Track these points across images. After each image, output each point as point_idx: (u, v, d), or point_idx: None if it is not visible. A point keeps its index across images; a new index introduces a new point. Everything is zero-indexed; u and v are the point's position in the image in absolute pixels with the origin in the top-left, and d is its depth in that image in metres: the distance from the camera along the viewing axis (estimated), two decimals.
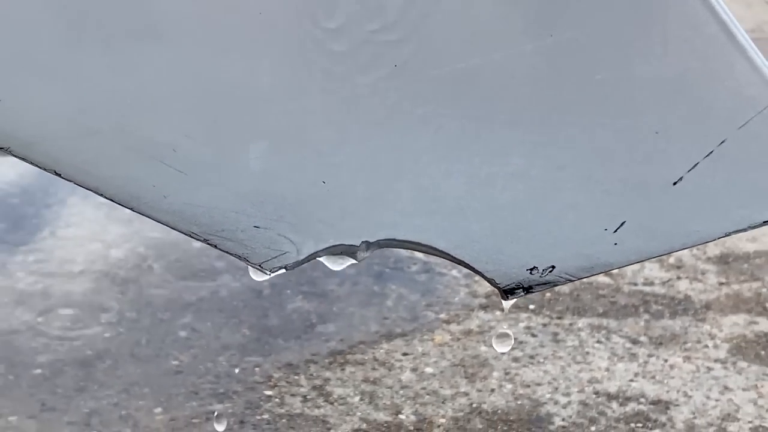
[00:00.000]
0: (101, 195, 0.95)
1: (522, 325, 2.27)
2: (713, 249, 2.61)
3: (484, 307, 2.33)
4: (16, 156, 0.92)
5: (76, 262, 2.47)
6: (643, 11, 0.89)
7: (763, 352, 2.18)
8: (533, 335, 2.23)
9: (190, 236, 0.99)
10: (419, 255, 2.25)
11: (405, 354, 2.15)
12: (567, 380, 2.07)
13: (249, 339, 2.17)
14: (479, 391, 2.02)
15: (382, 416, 1.94)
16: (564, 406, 1.98)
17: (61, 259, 2.48)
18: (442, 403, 1.99)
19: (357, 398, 1.99)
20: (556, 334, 2.23)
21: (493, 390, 2.03)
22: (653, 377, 2.09)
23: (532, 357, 2.15)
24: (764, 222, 1.00)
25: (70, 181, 0.94)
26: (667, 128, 0.94)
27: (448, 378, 2.07)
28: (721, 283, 2.47)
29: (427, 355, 2.15)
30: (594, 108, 0.93)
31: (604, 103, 0.93)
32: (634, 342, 2.21)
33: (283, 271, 1.02)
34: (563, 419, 1.95)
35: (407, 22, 0.88)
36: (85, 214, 2.68)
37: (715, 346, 2.20)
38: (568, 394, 2.02)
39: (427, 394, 2.01)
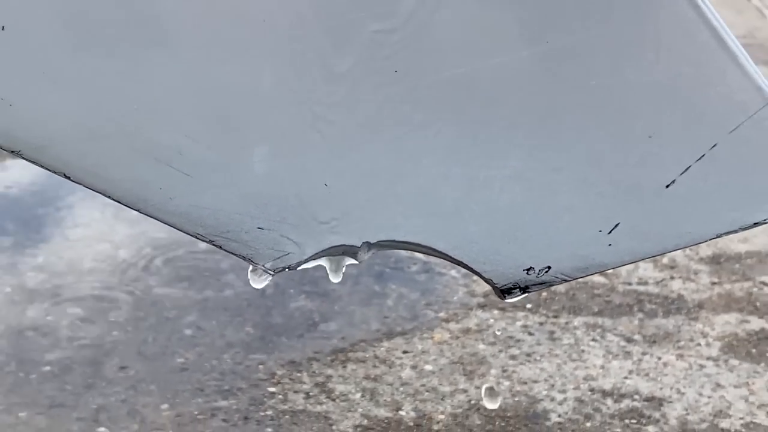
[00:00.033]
0: (109, 197, 0.95)
1: (519, 323, 2.27)
2: (706, 249, 2.62)
3: (482, 306, 2.33)
4: (26, 159, 0.92)
5: (85, 261, 2.47)
6: (635, 18, 0.89)
7: (754, 350, 2.18)
8: (530, 333, 2.23)
9: (195, 237, 0.99)
10: (419, 255, 2.25)
11: (405, 352, 2.15)
12: (563, 377, 2.07)
13: (253, 337, 2.18)
14: (477, 388, 2.02)
15: (382, 412, 1.94)
16: (560, 403, 1.99)
17: (69, 258, 2.48)
18: (441, 399, 1.99)
19: (358, 395, 1.99)
20: (552, 332, 2.24)
21: (491, 387, 2.03)
22: (647, 375, 2.09)
23: (528, 355, 2.15)
24: (755, 223, 1.00)
25: (78, 183, 0.94)
26: (659, 132, 0.94)
27: (447, 375, 2.07)
28: (714, 283, 2.47)
29: (427, 353, 2.15)
30: (589, 112, 0.94)
31: (599, 107, 0.93)
32: (629, 340, 2.21)
33: (287, 271, 1.02)
34: (559, 415, 1.95)
35: (407, 28, 0.88)
36: (93, 216, 2.69)
37: (708, 345, 2.20)
38: (564, 391, 2.02)
39: (427, 391, 2.01)
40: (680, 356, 2.15)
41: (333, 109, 0.92)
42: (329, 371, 2.07)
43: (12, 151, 0.91)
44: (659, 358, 2.15)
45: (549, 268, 1.02)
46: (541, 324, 2.27)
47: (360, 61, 0.89)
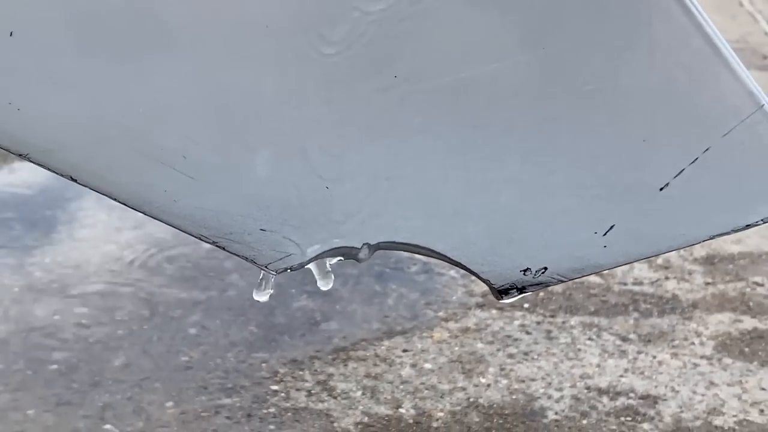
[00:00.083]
0: (115, 199, 0.95)
1: (517, 323, 2.27)
2: (700, 250, 2.62)
3: (480, 306, 2.33)
4: (34, 162, 0.92)
5: (91, 262, 2.47)
6: (630, 25, 0.90)
7: (747, 349, 2.18)
8: (527, 333, 2.23)
9: (199, 239, 0.99)
10: (418, 256, 2.25)
11: (405, 350, 2.15)
12: (560, 376, 2.07)
13: (256, 336, 2.18)
14: (476, 386, 2.02)
15: (383, 410, 1.94)
16: (557, 401, 1.99)
17: (76, 259, 2.48)
18: (441, 397, 1.99)
19: (359, 393, 1.99)
20: (549, 331, 2.24)
21: (489, 385, 2.03)
22: (642, 373, 2.09)
23: (526, 354, 2.15)
24: (747, 225, 1.00)
25: (85, 186, 0.94)
26: (654, 136, 0.94)
27: (446, 373, 2.07)
28: (708, 283, 2.47)
29: (426, 352, 2.15)
30: (584, 117, 0.94)
31: (594, 112, 0.93)
32: (624, 339, 2.21)
33: (289, 271, 1.02)
34: (556, 413, 1.95)
35: (406, 34, 0.88)
36: (99, 217, 2.69)
37: (702, 344, 2.20)
38: (560, 389, 2.02)
39: (426, 389, 2.01)
40: (675, 355, 2.16)
41: (334, 114, 0.92)
42: (331, 369, 2.07)
43: (20, 155, 0.92)
44: (654, 357, 2.15)
45: (545, 269, 1.02)
46: (538, 323, 2.27)
47: (360, 65, 0.89)
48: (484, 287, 1.06)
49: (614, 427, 1.91)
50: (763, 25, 4.88)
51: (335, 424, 1.90)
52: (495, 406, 1.96)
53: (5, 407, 1.91)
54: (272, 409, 1.94)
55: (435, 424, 1.90)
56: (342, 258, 1.03)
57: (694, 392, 2.02)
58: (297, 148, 0.94)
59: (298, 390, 2.00)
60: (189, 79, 0.90)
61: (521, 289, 1.03)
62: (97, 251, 2.52)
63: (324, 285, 1.06)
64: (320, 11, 0.87)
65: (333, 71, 0.90)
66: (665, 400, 2.00)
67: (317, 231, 0.99)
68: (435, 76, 0.91)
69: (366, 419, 1.91)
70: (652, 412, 1.96)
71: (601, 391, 2.02)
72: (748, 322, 2.29)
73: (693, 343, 2.20)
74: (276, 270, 1.01)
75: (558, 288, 2.37)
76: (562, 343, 2.19)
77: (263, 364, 2.08)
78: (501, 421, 1.92)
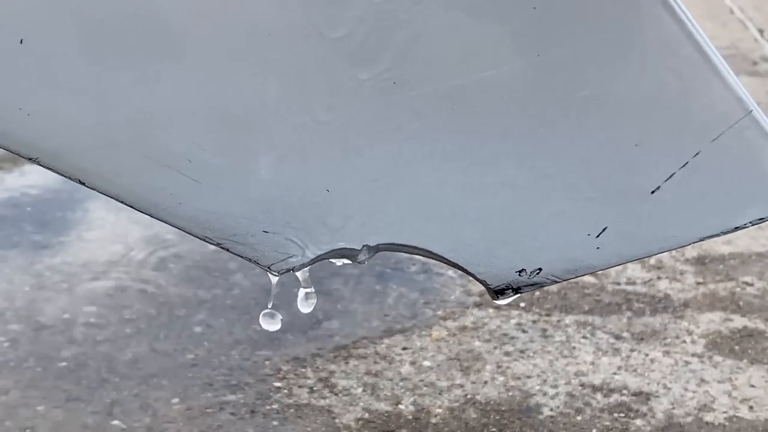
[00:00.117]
0: (122, 202, 0.95)
1: (513, 321, 2.27)
2: (691, 251, 2.62)
3: (478, 305, 2.33)
4: (44, 166, 0.93)
5: (99, 262, 2.47)
6: (622, 33, 0.90)
7: (737, 347, 2.18)
8: (524, 331, 2.23)
9: (204, 240, 0.99)
10: (417, 257, 2.25)
11: (404, 348, 2.15)
12: (555, 373, 2.07)
13: (259, 334, 2.18)
14: (473, 383, 2.02)
15: (383, 406, 1.94)
16: (552, 397, 1.99)
17: (85, 259, 2.49)
18: (439, 394, 1.99)
19: (360, 389, 1.99)
20: (544, 330, 2.24)
21: (486, 382, 2.03)
22: (635, 370, 2.09)
23: (522, 351, 2.15)
24: (736, 227, 1.00)
25: (93, 189, 0.94)
26: (645, 141, 0.94)
27: (445, 371, 2.07)
28: (699, 283, 2.47)
29: (425, 350, 2.15)
30: (578, 122, 0.94)
31: (588, 117, 0.94)
32: (618, 337, 2.21)
33: (291, 272, 1.02)
34: (551, 409, 1.95)
35: (405, 42, 0.89)
36: (107, 219, 2.69)
37: (693, 342, 2.20)
38: (555, 386, 2.02)
39: (425, 386, 2.01)
40: (666, 353, 2.15)
41: (335, 119, 0.92)
42: (332, 367, 2.07)
43: (30, 158, 0.92)
44: (646, 355, 2.15)
45: (540, 269, 1.02)
46: (534, 322, 2.27)
47: (360, 74, 0.89)
48: (482, 287, 1.06)
49: (608, 423, 1.91)
50: (753, 31, 4.88)
51: (337, 420, 1.90)
52: (492, 402, 1.96)
53: (16, 403, 1.91)
54: (275, 406, 1.94)
55: (434, 420, 1.90)
56: (344, 259, 1.03)
57: (686, 389, 2.02)
58: (298, 153, 0.94)
59: (300, 387, 2.00)
60: (194, 85, 0.90)
61: (517, 290, 1.03)
62: (105, 251, 2.53)
63: (305, 308, 1.06)
64: (322, 21, 0.87)
65: (334, 79, 0.90)
66: (657, 396, 2.00)
67: (318, 233, 0.99)
68: (432, 82, 0.91)
69: (367, 415, 1.91)
70: (644, 409, 1.96)
71: (595, 388, 2.02)
72: (738, 321, 2.29)
73: (684, 342, 2.20)
74: (278, 271, 1.01)
75: (553, 288, 2.37)
76: (557, 342, 2.19)
77: (267, 362, 2.08)
78: (498, 418, 1.92)
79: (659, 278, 2.49)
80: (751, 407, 1.97)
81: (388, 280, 2.44)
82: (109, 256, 2.50)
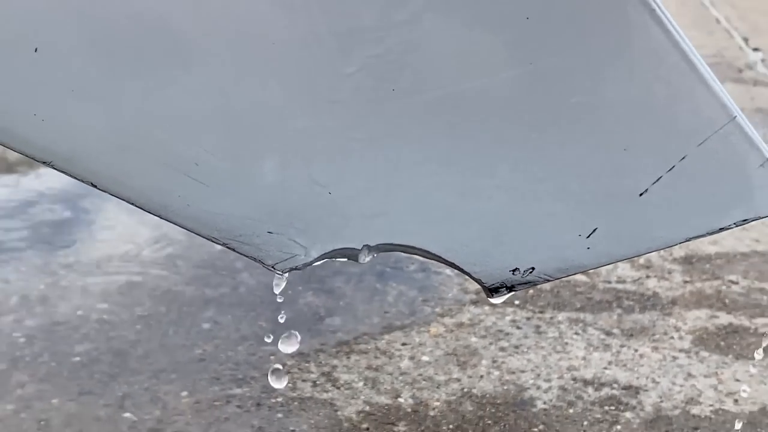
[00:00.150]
0: (133, 204, 0.95)
1: (508, 318, 2.27)
2: (678, 251, 2.62)
3: (474, 302, 2.33)
4: (57, 169, 0.93)
5: (112, 261, 2.47)
6: (612, 42, 0.90)
7: (722, 343, 2.18)
8: (518, 327, 2.23)
9: (211, 240, 0.99)
10: (416, 257, 2.25)
11: (404, 344, 2.15)
12: (548, 368, 2.07)
13: (265, 330, 2.18)
14: (470, 377, 2.02)
15: (383, 399, 1.94)
16: (545, 391, 1.99)
17: (98, 259, 2.49)
18: (437, 388, 1.99)
19: (361, 383, 1.99)
20: (538, 326, 2.24)
21: (482, 376, 2.03)
22: (625, 365, 2.09)
23: (516, 347, 2.15)
24: (721, 228, 1.00)
25: (105, 191, 0.94)
26: (634, 145, 0.94)
27: (442, 365, 2.07)
28: (686, 282, 2.47)
29: (424, 345, 2.15)
30: (570, 128, 0.94)
31: (579, 123, 0.94)
32: (608, 334, 2.21)
33: (295, 271, 1.02)
34: (544, 402, 1.95)
35: (404, 52, 0.89)
36: (119, 220, 2.69)
37: (680, 338, 2.20)
38: (549, 380, 2.02)
39: (424, 380, 2.01)
40: (655, 348, 2.15)
41: (336, 124, 0.92)
42: (334, 362, 2.07)
43: (45, 162, 0.92)
44: (636, 350, 2.15)
45: (533, 268, 1.02)
46: (528, 319, 2.27)
47: (360, 81, 0.89)
48: (478, 285, 1.06)
49: (599, 415, 1.91)
50: (738, 40, 4.88)
51: (339, 413, 1.90)
52: (488, 396, 1.96)
53: (31, 397, 1.91)
54: (280, 399, 1.94)
55: (432, 413, 1.90)
56: (347, 258, 1.03)
57: (673, 383, 2.02)
58: (302, 157, 0.94)
59: (304, 381, 2.00)
60: (201, 93, 0.90)
61: (511, 288, 1.03)
62: (117, 251, 2.53)
63: (287, 348, 1.06)
64: (327, 34, 0.87)
65: (336, 87, 0.90)
66: (646, 390, 2.00)
67: (320, 233, 0.99)
68: (430, 89, 0.91)
69: (367, 408, 1.91)
70: (634, 402, 1.96)
71: (586, 382, 2.02)
72: (724, 318, 2.29)
73: (672, 338, 2.20)
74: (282, 269, 1.01)
75: (546, 286, 2.37)
76: (550, 338, 2.19)
77: (272, 357, 2.08)
78: (493, 410, 1.92)
79: (648, 277, 2.49)
80: (736, 401, 1.97)
81: (388, 279, 2.44)
82: (120, 256, 2.50)
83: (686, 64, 0.90)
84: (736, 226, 0.99)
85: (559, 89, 0.92)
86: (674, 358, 2.12)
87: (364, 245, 1.01)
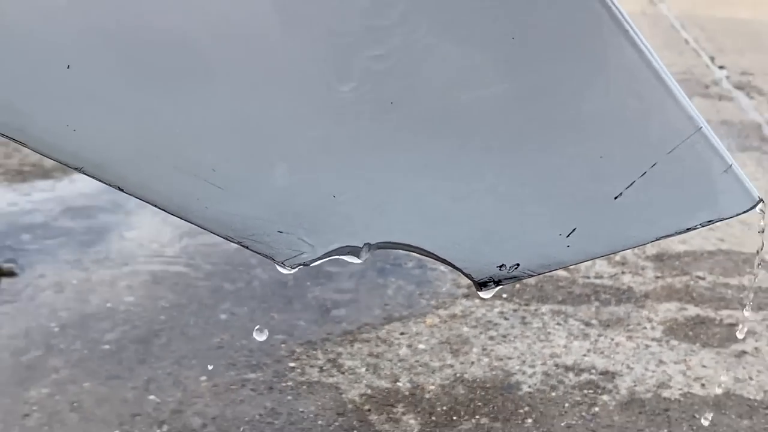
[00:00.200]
0: (156, 206, 0.95)
1: (497, 310, 2.27)
2: (650, 249, 2.61)
3: (466, 296, 2.33)
4: (88, 175, 0.93)
5: (137, 258, 2.47)
6: (589, 60, 0.90)
7: (690, 333, 2.18)
8: (505, 318, 2.23)
9: (227, 239, 0.99)
10: (413, 254, 2.25)
11: (402, 333, 2.15)
12: (532, 355, 2.06)
13: (276, 321, 2.17)
14: (462, 363, 2.02)
15: (383, 383, 1.94)
16: (530, 376, 1.98)
17: (125, 256, 2.49)
18: (432, 373, 1.99)
19: (363, 369, 1.99)
20: (524, 317, 2.23)
21: (473, 363, 2.03)
22: (602, 353, 2.08)
23: (504, 336, 2.14)
24: (688, 228, 1.00)
25: (131, 195, 0.94)
26: (609, 153, 0.94)
27: (437, 353, 2.06)
28: (657, 277, 2.46)
29: (420, 335, 2.14)
30: (551, 137, 0.94)
31: (559, 133, 0.94)
32: (587, 324, 2.21)
33: (302, 267, 1.02)
34: (529, 386, 1.95)
35: (402, 69, 0.89)
36: (143, 220, 2.69)
37: (652, 328, 2.20)
38: (533, 366, 2.02)
39: (420, 366, 2.01)
40: (630, 337, 2.15)
41: (340, 134, 0.92)
42: (339, 349, 2.07)
43: (76, 168, 0.92)
44: (612, 339, 2.14)
45: (518, 265, 1.02)
46: (514, 311, 2.26)
47: (362, 94, 0.89)
48: (469, 281, 1.05)
49: (578, 398, 1.91)
50: (706, 59, 4.87)
51: (343, 396, 1.90)
52: (478, 380, 1.96)
53: (65, 380, 1.91)
54: (290, 383, 1.94)
55: (427, 396, 1.90)
56: (349, 255, 1.03)
57: (646, 369, 2.02)
58: (309, 164, 0.94)
59: (311, 366, 2.00)
60: (219, 106, 0.90)
61: (498, 282, 1.03)
62: (143, 249, 2.53)
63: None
64: (332, 55, 0.88)
65: (340, 101, 0.90)
66: (621, 375, 2.00)
67: (326, 233, 0.99)
68: (425, 103, 0.91)
69: (369, 391, 1.91)
70: (610, 386, 1.95)
71: (567, 368, 2.01)
72: (692, 310, 2.29)
73: (645, 328, 2.20)
74: (291, 266, 1.01)
75: (531, 281, 2.36)
76: (535, 328, 2.19)
77: (282, 345, 2.08)
78: (483, 393, 1.91)
79: (623, 273, 2.48)
80: (703, 385, 1.97)
81: (388, 275, 2.44)
82: (146, 253, 2.50)
83: (657, 81, 0.90)
84: (702, 226, 0.99)
85: (542, 103, 0.92)
86: (647, 346, 2.12)
87: (364, 243, 1.01)
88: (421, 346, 2.09)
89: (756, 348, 2.12)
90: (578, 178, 0.96)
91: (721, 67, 4.68)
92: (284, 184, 0.95)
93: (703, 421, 1.84)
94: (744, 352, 2.10)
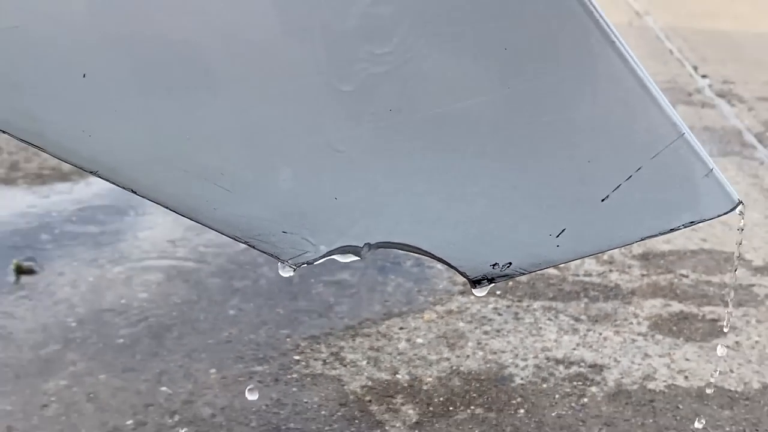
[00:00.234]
0: (167, 208, 0.95)
1: (491, 306, 2.26)
2: (637, 248, 2.61)
3: (462, 293, 2.33)
4: (102, 178, 0.93)
5: (151, 257, 2.47)
6: (578, 69, 0.90)
7: (675, 328, 2.18)
8: (499, 314, 2.23)
9: (234, 239, 0.99)
10: (411, 253, 2.25)
11: (401, 328, 2.15)
12: (525, 349, 2.06)
13: (282, 316, 2.17)
14: (458, 356, 2.02)
15: (383, 376, 1.94)
16: (522, 369, 1.98)
17: (139, 254, 2.49)
18: (430, 366, 1.98)
19: (364, 362, 1.99)
20: (516, 313, 2.23)
21: (468, 356, 2.03)
22: (591, 347, 2.08)
23: (498, 331, 2.14)
24: (672, 229, 1.00)
25: (143, 197, 0.94)
26: (596, 158, 0.94)
27: (434, 347, 2.06)
28: (643, 275, 2.46)
29: (418, 329, 2.14)
30: (541, 142, 0.94)
31: (549, 138, 0.94)
32: (576, 319, 2.21)
33: (306, 265, 1.02)
34: (522, 378, 1.95)
35: (400, 78, 0.89)
36: (157, 221, 2.69)
37: (638, 323, 2.20)
38: (525, 359, 2.02)
39: (418, 359, 2.01)
40: (617, 332, 2.15)
41: (341, 140, 0.92)
42: (342, 343, 2.07)
43: (92, 172, 0.92)
44: (600, 334, 2.14)
45: (510, 263, 1.02)
46: (508, 306, 2.26)
47: (362, 102, 0.89)
48: (463, 278, 1.05)
49: (568, 390, 1.91)
50: (689, 68, 4.87)
51: (345, 387, 1.90)
52: (473, 373, 1.96)
53: (82, 373, 1.91)
54: (295, 375, 1.94)
55: (425, 387, 1.90)
56: (350, 254, 1.03)
57: (632, 362, 2.02)
58: (312, 168, 0.94)
59: (315, 360, 2.00)
60: (227, 113, 0.90)
61: (491, 280, 1.03)
62: (155, 248, 2.53)
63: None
64: (335, 63, 0.88)
65: (342, 107, 0.90)
66: (609, 368, 1.99)
67: (328, 233, 0.99)
68: (422, 110, 0.91)
69: (370, 383, 1.91)
70: (598, 378, 1.95)
71: (557, 361, 2.01)
72: (676, 306, 2.28)
73: (631, 323, 2.20)
74: (295, 264, 1.01)
75: (523, 278, 2.36)
76: (527, 323, 2.19)
77: (288, 339, 2.08)
78: (478, 385, 1.91)
79: (611, 271, 2.48)
80: (686, 377, 1.97)
81: (388, 273, 2.44)
82: (158, 253, 2.50)
83: (642, 89, 0.90)
84: (685, 227, 0.99)
85: (534, 110, 0.92)
86: (633, 340, 2.12)
87: (365, 243, 1.01)
88: (419, 341, 2.09)
89: (737, 342, 2.12)
90: (567, 182, 0.96)
91: (703, 76, 4.68)
92: (289, 187, 0.95)
93: (686, 411, 1.84)
94: (726, 347, 2.10)
